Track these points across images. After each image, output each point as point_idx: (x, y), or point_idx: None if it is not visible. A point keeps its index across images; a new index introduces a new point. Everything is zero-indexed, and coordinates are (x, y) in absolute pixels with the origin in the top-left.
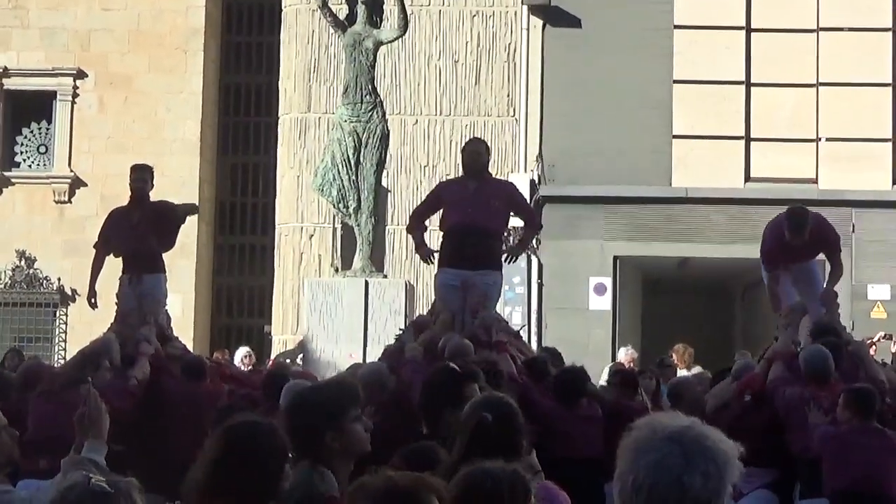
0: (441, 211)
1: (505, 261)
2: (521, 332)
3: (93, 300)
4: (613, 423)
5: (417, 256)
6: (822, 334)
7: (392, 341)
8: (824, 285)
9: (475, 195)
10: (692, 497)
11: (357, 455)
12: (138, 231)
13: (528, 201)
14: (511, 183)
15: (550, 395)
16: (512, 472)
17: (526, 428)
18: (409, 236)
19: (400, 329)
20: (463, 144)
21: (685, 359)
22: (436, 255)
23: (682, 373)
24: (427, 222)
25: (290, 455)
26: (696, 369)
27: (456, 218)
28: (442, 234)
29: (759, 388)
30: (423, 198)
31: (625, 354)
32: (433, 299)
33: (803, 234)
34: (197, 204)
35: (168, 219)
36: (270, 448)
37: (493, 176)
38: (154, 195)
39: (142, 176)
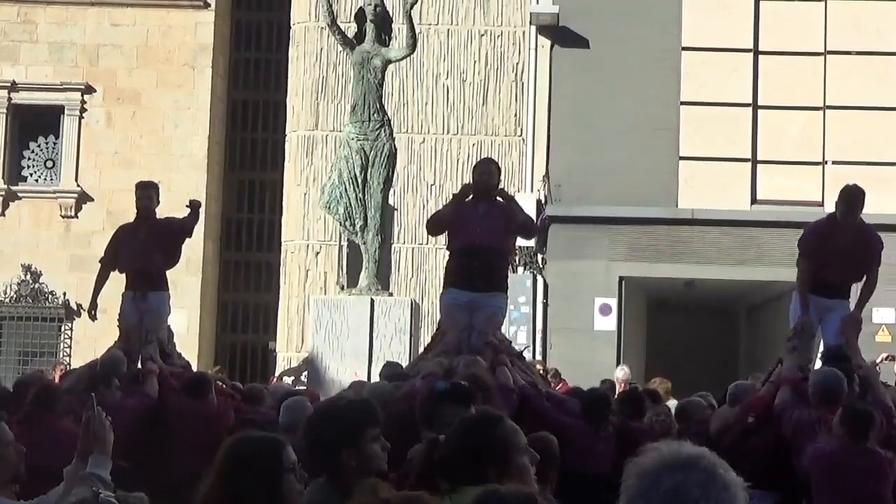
0: (448, 231)
1: None
2: (525, 353)
3: (93, 312)
4: (621, 444)
5: (423, 274)
6: (833, 360)
7: (396, 359)
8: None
9: (484, 217)
10: None
11: (374, 474)
12: (145, 249)
13: (534, 220)
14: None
15: (575, 413)
16: (525, 495)
17: (528, 452)
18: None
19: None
20: (474, 163)
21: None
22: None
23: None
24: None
25: (297, 472)
26: (671, 402)
27: (463, 238)
28: (449, 253)
29: (763, 411)
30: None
31: (621, 373)
32: (439, 319)
33: (855, 212)
34: (200, 201)
35: (175, 235)
36: (264, 462)
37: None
38: (161, 211)
39: (147, 193)
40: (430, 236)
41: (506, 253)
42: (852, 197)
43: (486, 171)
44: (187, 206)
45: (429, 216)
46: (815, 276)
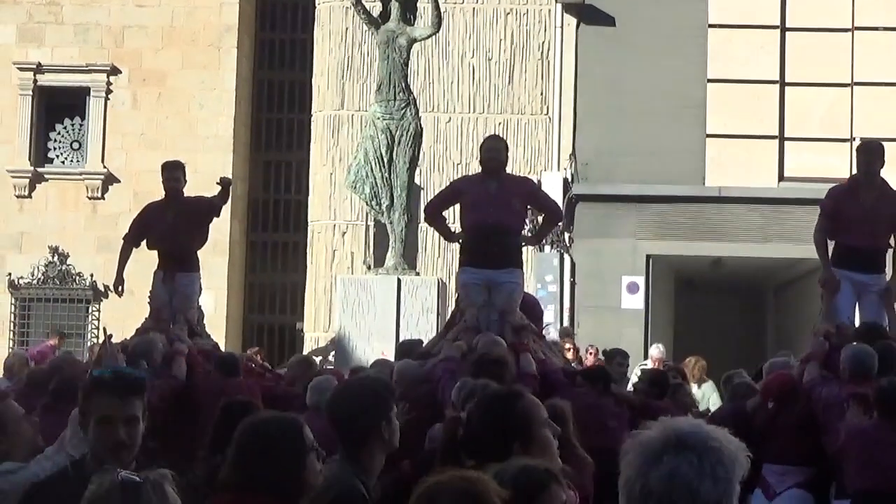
0: (459, 209)
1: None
2: (550, 331)
3: (120, 289)
4: (641, 421)
5: (450, 254)
6: (867, 335)
7: (422, 338)
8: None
9: (496, 194)
10: (703, 502)
11: (392, 450)
12: (173, 230)
13: (561, 199)
14: (531, 180)
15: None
16: (539, 469)
17: (550, 425)
18: (433, 228)
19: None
20: (481, 141)
21: (695, 372)
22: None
23: (692, 388)
24: (446, 213)
25: (317, 451)
26: (707, 385)
27: (477, 217)
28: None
29: (779, 391)
30: (440, 191)
31: (656, 352)
32: (456, 297)
33: (874, 164)
34: (230, 177)
35: (202, 215)
36: (287, 442)
37: (517, 173)
38: (187, 192)
39: (174, 174)
40: (427, 223)
41: (519, 229)
42: (869, 151)
43: (494, 147)
44: (218, 183)
45: (430, 199)
46: (844, 244)
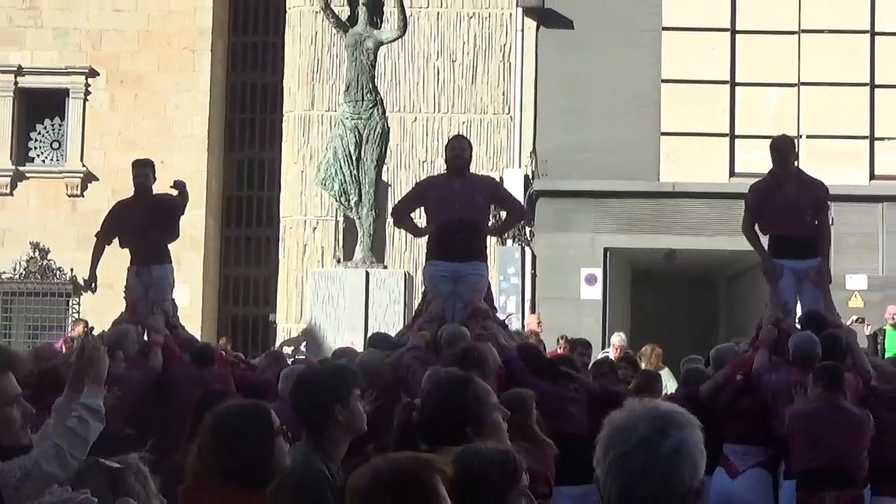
0: (425, 208)
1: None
2: (512, 320)
3: (92, 285)
4: (603, 406)
5: (416, 247)
6: (811, 323)
7: (391, 330)
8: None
9: (461, 192)
10: (699, 477)
11: (356, 433)
12: (143, 225)
13: (522, 195)
14: (493, 178)
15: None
16: (503, 452)
17: (500, 409)
18: (401, 229)
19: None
20: (446, 141)
21: (652, 360)
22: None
23: None
24: (413, 215)
25: (285, 435)
26: (664, 372)
27: (443, 214)
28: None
29: (750, 370)
30: (406, 193)
31: (617, 339)
32: (423, 289)
33: (789, 158)
34: (183, 180)
35: (170, 211)
36: (255, 428)
37: (480, 172)
38: (163, 190)
39: (144, 171)
40: (395, 227)
41: (483, 225)
42: (782, 147)
43: (458, 146)
44: (172, 186)
45: (396, 203)
46: (776, 236)
